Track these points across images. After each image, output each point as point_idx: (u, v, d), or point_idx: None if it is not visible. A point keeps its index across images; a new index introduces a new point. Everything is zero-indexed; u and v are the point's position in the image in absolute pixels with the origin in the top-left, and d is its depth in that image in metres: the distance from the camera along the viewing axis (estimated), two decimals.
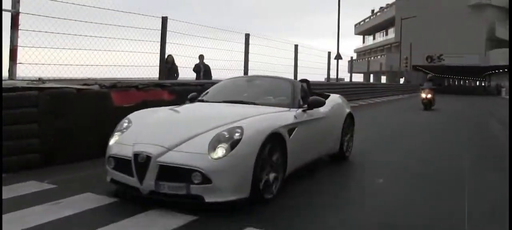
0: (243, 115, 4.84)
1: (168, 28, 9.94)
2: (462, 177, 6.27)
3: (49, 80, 7.35)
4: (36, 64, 7.70)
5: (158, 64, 9.86)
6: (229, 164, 4.14)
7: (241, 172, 4.21)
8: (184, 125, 4.88)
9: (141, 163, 4.20)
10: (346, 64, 29.46)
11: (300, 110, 5.58)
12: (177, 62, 12.40)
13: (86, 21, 8.48)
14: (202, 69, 13.82)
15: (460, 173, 6.51)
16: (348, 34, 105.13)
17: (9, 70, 7.34)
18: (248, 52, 13.63)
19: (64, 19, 8.09)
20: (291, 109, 5.50)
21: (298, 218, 4.20)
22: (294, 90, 5.95)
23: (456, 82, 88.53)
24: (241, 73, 13.52)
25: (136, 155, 4.27)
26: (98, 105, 6.94)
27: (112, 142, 4.81)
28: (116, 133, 4.92)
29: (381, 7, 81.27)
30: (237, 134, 4.29)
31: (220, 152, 4.16)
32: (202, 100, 6.06)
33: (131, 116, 5.23)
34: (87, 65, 8.35)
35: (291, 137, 5.00)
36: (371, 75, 65.64)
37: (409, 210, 4.61)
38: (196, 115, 5.39)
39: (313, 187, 5.39)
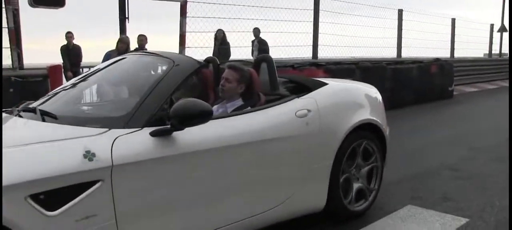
0: None
1: (320, 7, 9.95)
2: None
3: None
4: (201, 47, 8.35)
5: (311, 44, 9.94)
6: None
7: None
8: None
9: None
10: None
11: (144, 131, 2.39)
12: (230, 39, 9.53)
13: (243, 5, 8.90)
14: (256, 46, 10.06)
15: None
16: None
17: (180, 53, 8.05)
18: (401, 29, 13.04)
19: (225, 4, 8.61)
20: (113, 130, 2.34)
21: None
22: (158, 88, 2.60)
23: None
24: (394, 51, 13.02)
25: None
26: None
27: None
28: None
29: None
30: None
31: None
32: (33, 110, 2.78)
33: None
34: (246, 46, 8.80)
35: (59, 212, 2.05)
36: None
37: None
38: None
39: None
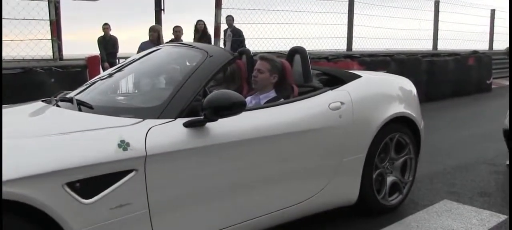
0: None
1: None
2: None
3: None
4: (237, 39, 8.39)
5: (346, 36, 9.85)
6: None
7: None
8: None
9: None
10: None
11: (177, 122, 2.41)
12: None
13: None
14: (229, 37, 8.95)
15: None
16: None
17: (214, 45, 8.13)
18: (437, 21, 12.75)
19: None
20: (147, 120, 2.38)
21: None
22: (191, 79, 2.62)
23: None
24: (430, 44, 12.76)
25: None
26: None
27: None
28: None
29: None
30: None
31: None
32: (70, 100, 2.79)
33: None
34: (280, 38, 8.79)
35: (93, 201, 2.08)
36: None
37: None
38: None
39: None
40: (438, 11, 12.82)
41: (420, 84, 8.37)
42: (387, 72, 8.43)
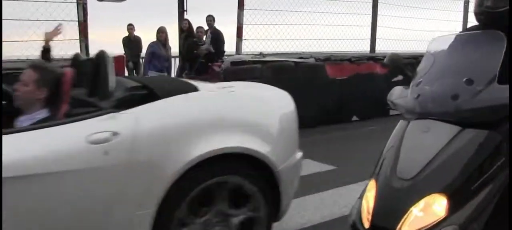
0: None
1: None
2: None
3: (269, 54, 8.04)
4: (258, 40, 8.48)
5: (369, 37, 9.80)
6: None
7: None
8: None
9: None
10: None
11: None
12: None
13: None
14: (208, 37, 8.58)
15: None
16: None
17: (236, 46, 8.24)
18: (466, 22, 12.50)
19: None
20: None
21: None
22: None
23: None
24: None
25: None
26: (314, 78, 7.43)
27: None
28: None
29: None
30: None
31: None
32: None
33: None
34: (302, 39, 8.83)
35: None
36: None
37: None
38: None
39: None
40: (468, 11, 12.55)
41: None
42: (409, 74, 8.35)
